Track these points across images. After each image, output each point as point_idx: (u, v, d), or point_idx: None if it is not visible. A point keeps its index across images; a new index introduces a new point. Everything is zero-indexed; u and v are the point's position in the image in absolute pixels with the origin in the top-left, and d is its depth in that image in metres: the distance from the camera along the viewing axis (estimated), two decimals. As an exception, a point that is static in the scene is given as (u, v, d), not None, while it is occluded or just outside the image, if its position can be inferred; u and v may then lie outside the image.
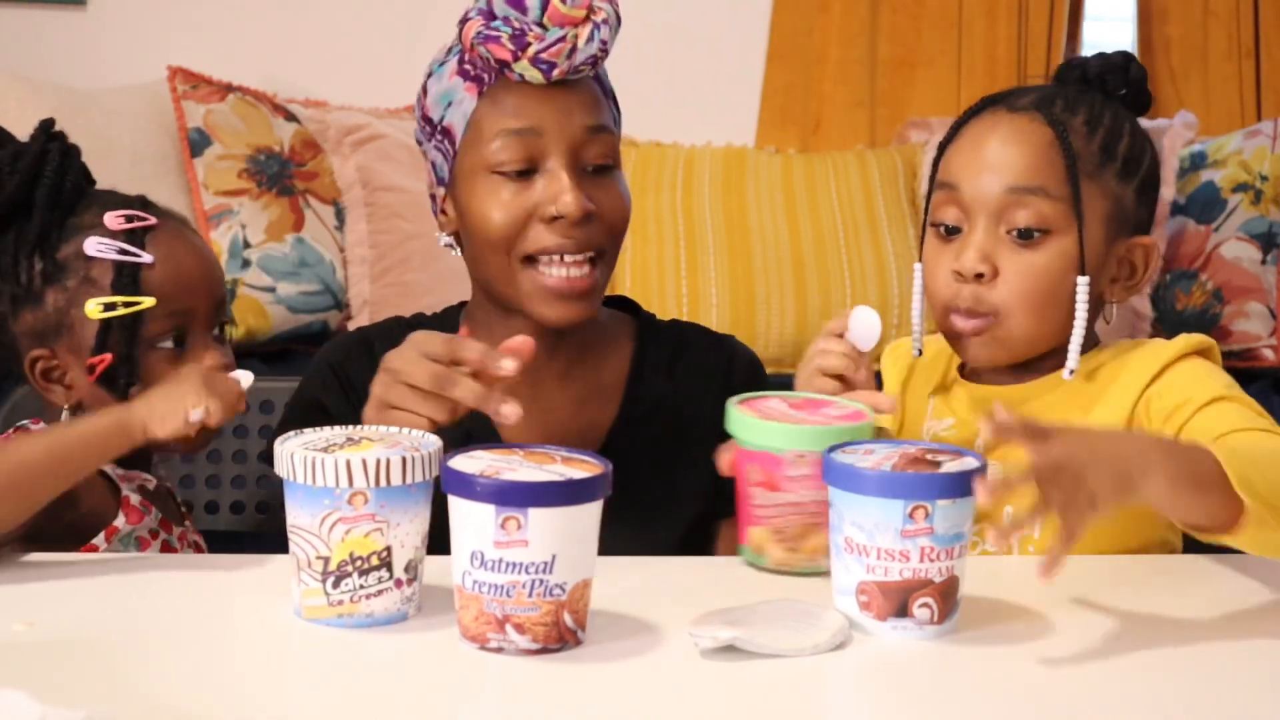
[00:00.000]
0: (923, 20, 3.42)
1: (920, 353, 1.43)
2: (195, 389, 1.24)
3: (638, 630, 1.11)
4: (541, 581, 1.04)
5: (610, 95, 1.45)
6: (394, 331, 1.51)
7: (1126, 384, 1.33)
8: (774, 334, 3.00)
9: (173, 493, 1.51)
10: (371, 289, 2.94)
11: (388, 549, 1.10)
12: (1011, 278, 1.32)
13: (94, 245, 1.40)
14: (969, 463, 1.10)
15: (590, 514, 1.06)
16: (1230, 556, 1.25)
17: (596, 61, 1.38)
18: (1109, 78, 1.39)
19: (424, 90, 1.46)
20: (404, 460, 1.08)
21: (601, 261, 1.42)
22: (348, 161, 3.00)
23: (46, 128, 1.44)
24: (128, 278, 1.39)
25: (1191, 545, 1.28)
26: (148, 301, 1.39)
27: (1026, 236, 1.32)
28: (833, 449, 1.14)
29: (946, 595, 1.09)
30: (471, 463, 1.08)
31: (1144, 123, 1.42)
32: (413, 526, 1.11)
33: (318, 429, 1.16)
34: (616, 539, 1.15)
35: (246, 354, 2.63)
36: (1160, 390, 1.31)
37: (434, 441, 1.13)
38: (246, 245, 2.87)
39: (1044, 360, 1.37)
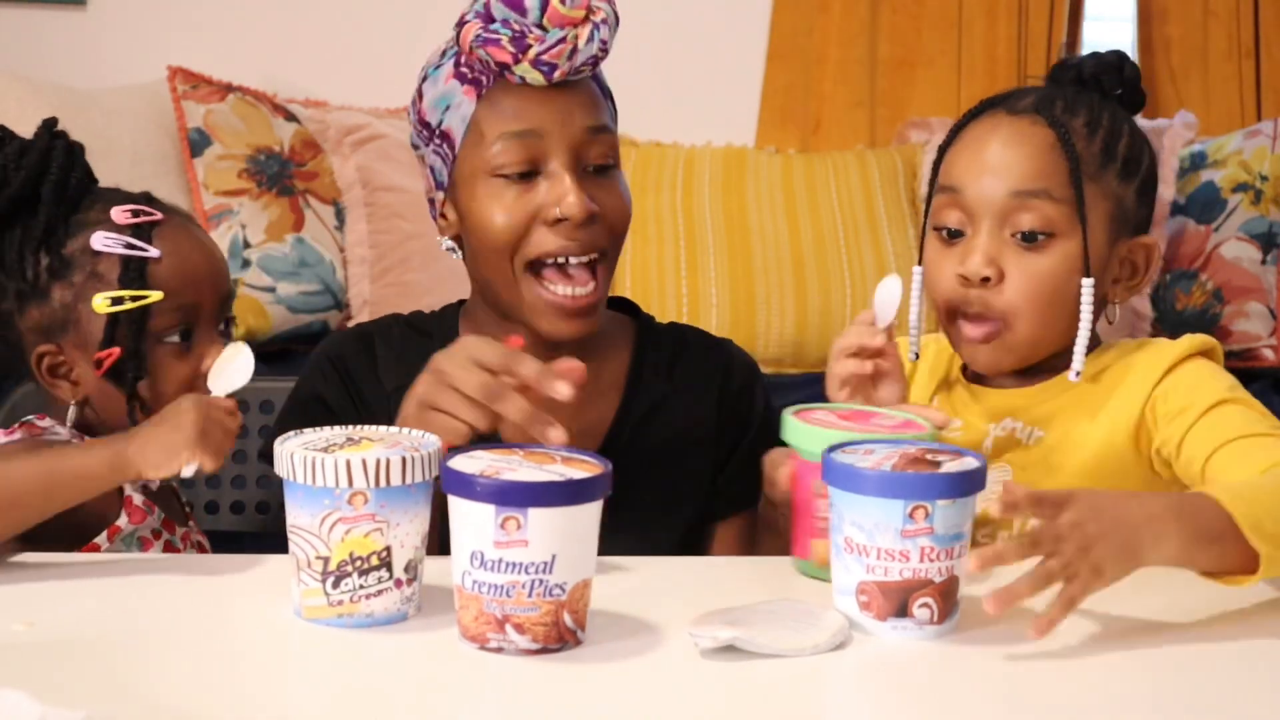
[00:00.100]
0: (923, 20, 3.42)
1: (917, 356, 1.43)
2: (189, 440, 1.21)
3: (638, 630, 1.11)
4: (541, 581, 1.04)
5: (608, 95, 1.45)
6: (392, 328, 1.52)
7: (1133, 385, 1.33)
8: (774, 334, 3.00)
9: (176, 493, 1.51)
10: (371, 289, 2.94)
11: (387, 549, 1.10)
12: (1018, 281, 1.32)
13: (100, 240, 1.40)
14: (969, 463, 1.10)
15: (590, 514, 1.06)
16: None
17: (597, 62, 1.38)
18: (1104, 78, 1.39)
19: (419, 94, 1.45)
20: (404, 460, 1.08)
21: (604, 265, 1.41)
22: (348, 161, 3.00)
23: (50, 126, 1.45)
24: (135, 272, 1.39)
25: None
26: (155, 295, 1.39)
27: (1031, 240, 1.31)
28: (832, 449, 1.14)
29: (947, 595, 1.09)
30: (471, 463, 1.08)
31: (1144, 123, 1.43)
32: (413, 526, 1.11)
33: (317, 429, 1.16)
34: (615, 540, 1.15)
35: (246, 354, 2.62)
36: (1165, 392, 1.31)
37: (434, 441, 1.13)
38: (246, 245, 2.87)
39: (1047, 362, 1.37)
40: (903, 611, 1.09)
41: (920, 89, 3.43)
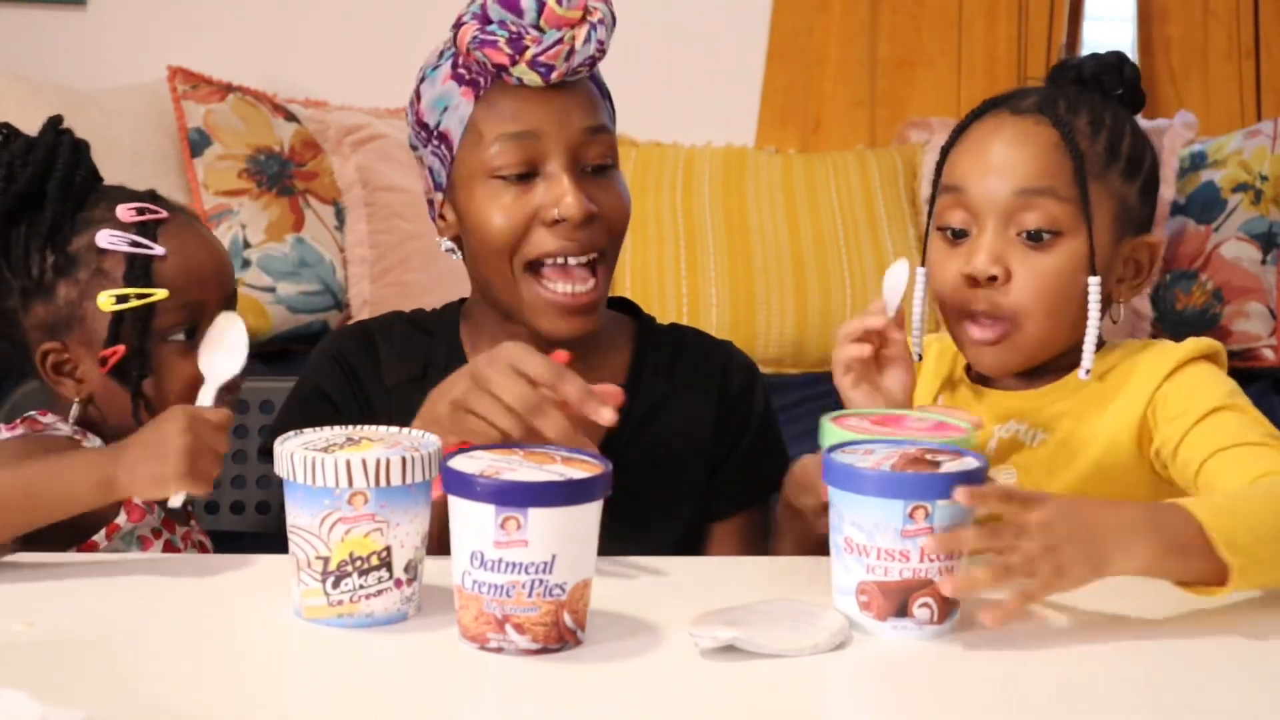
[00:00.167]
0: (923, 20, 3.42)
1: (920, 358, 1.43)
2: (178, 473, 1.21)
3: (638, 630, 1.11)
4: (541, 581, 1.04)
5: (605, 94, 1.45)
6: (394, 326, 1.52)
7: (1136, 387, 1.33)
8: (774, 334, 3.00)
9: None
10: (371, 289, 2.94)
11: (387, 549, 1.10)
12: (1025, 280, 1.32)
13: (106, 238, 1.40)
14: (969, 463, 1.10)
15: (590, 514, 1.06)
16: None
17: (594, 62, 1.38)
18: (1105, 78, 1.39)
19: (417, 95, 1.45)
20: (404, 460, 1.08)
21: (603, 265, 1.41)
22: (348, 161, 3.00)
23: (55, 123, 1.44)
24: (140, 270, 1.39)
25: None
26: (160, 293, 1.39)
27: (1036, 238, 1.31)
28: (833, 449, 1.14)
29: (947, 595, 1.09)
30: (471, 463, 1.08)
31: (1144, 123, 1.43)
32: (412, 526, 1.11)
33: (317, 429, 1.16)
34: (613, 540, 1.15)
35: (246, 354, 2.63)
36: (1166, 394, 1.31)
37: (434, 441, 1.13)
38: (246, 245, 2.87)
39: (1052, 363, 1.37)
40: (903, 611, 1.09)
41: (920, 89, 3.42)
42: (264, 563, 1.26)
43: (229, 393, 1.44)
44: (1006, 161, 1.33)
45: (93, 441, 1.40)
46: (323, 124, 3.05)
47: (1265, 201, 3.05)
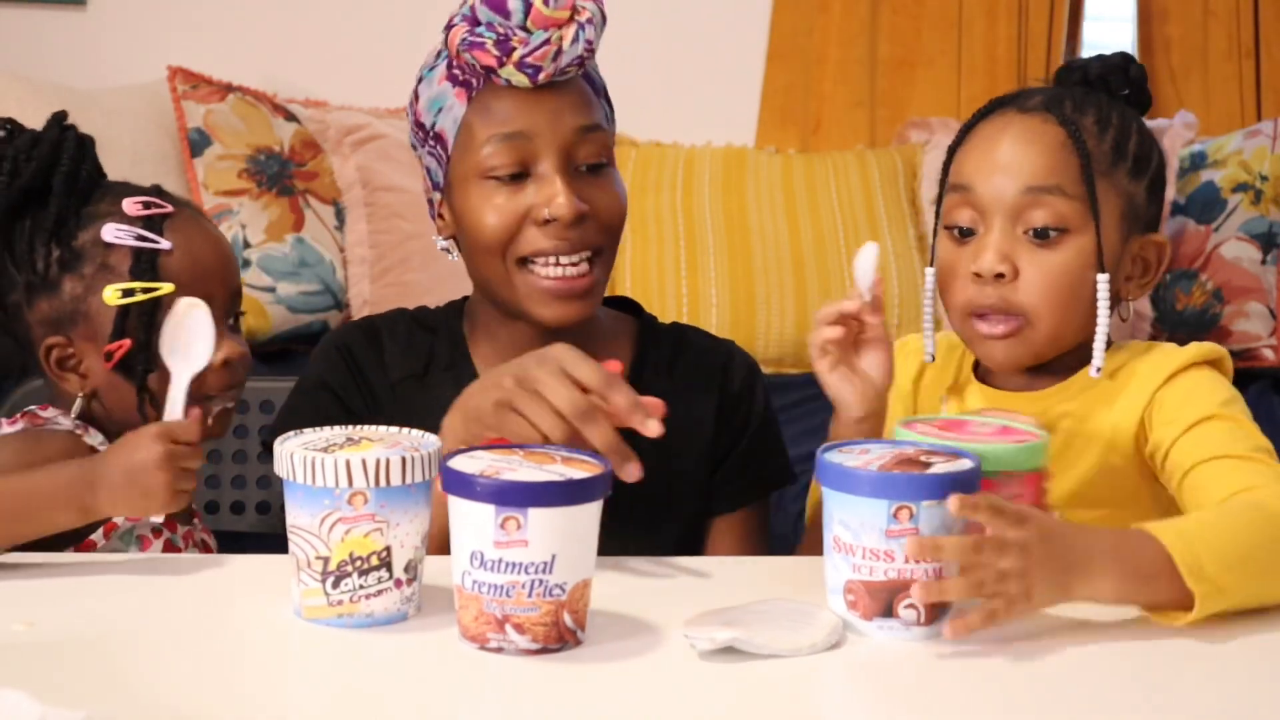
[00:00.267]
0: (923, 20, 3.42)
1: (933, 358, 1.43)
2: (162, 506, 1.22)
3: (638, 630, 1.11)
4: (541, 581, 1.04)
5: (601, 92, 1.45)
6: (398, 322, 1.52)
7: (1137, 388, 1.33)
8: (774, 334, 3.00)
9: None
10: (371, 289, 2.94)
11: (387, 549, 1.10)
12: (1033, 277, 1.32)
13: (112, 232, 1.39)
14: (960, 465, 1.10)
15: (590, 514, 1.06)
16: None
17: (583, 62, 1.38)
18: (1110, 79, 1.40)
19: (415, 95, 1.45)
20: (404, 460, 1.08)
21: (599, 259, 1.42)
22: (348, 161, 3.00)
23: (60, 119, 1.44)
24: (146, 264, 1.39)
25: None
26: (167, 287, 1.38)
27: (1043, 236, 1.32)
28: (828, 449, 1.14)
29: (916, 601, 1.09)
30: (471, 463, 1.08)
31: (1146, 123, 1.43)
32: (412, 526, 1.11)
33: (317, 429, 1.16)
34: (614, 538, 1.15)
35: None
36: (1163, 397, 1.31)
37: (434, 441, 1.13)
38: (246, 245, 2.86)
39: (1058, 362, 1.37)
40: (889, 611, 1.09)
41: (920, 89, 3.42)
42: (264, 563, 1.26)
43: (232, 401, 1.44)
44: (1013, 160, 1.33)
45: (95, 437, 1.40)
46: (323, 124, 3.05)
47: (1265, 201, 3.05)
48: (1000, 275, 1.32)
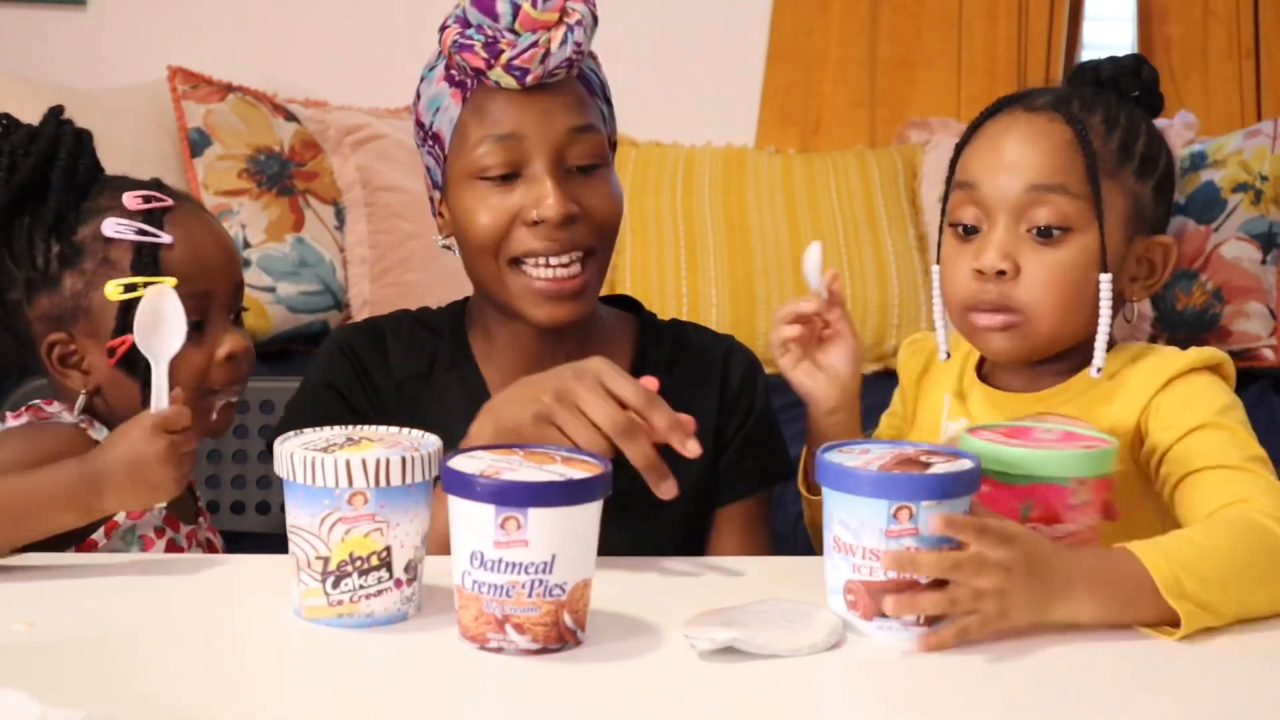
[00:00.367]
0: (923, 20, 3.42)
1: (949, 355, 1.43)
2: (168, 493, 1.22)
3: (638, 630, 1.11)
4: (541, 581, 1.04)
5: (597, 92, 1.46)
6: (401, 323, 1.53)
7: (1135, 392, 1.33)
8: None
9: (191, 487, 1.49)
10: (371, 289, 2.94)
11: (387, 549, 1.10)
12: (1034, 275, 1.31)
13: (112, 226, 1.38)
14: (960, 465, 1.10)
15: (590, 514, 1.06)
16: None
17: (572, 64, 1.38)
18: (1121, 80, 1.39)
19: (417, 95, 1.47)
20: (404, 460, 1.08)
21: (592, 260, 1.42)
22: (348, 161, 3.00)
23: (57, 113, 1.43)
24: (148, 258, 1.38)
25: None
26: (169, 282, 1.35)
27: (1046, 235, 1.31)
28: (828, 449, 1.14)
29: (888, 612, 1.09)
30: (471, 463, 1.08)
31: (1147, 123, 1.42)
32: (413, 526, 1.11)
33: (317, 429, 1.16)
34: (618, 534, 1.16)
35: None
36: (1159, 404, 1.31)
37: (434, 441, 1.13)
38: (246, 245, 2.86)
39: (1061, 359, 1.36)
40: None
41: (920, 89, 3.42)
42: (264, 563, 1.26)
43: (236, 395, 1.44)
44: (1019, 158, 1.33)
45: (100, 431, 1.39)
46: (323, 124, 3.05)
47: (1265, 201, 3.05)
48: (1001, 273, 1.32)
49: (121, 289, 1.36)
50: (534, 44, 1.36)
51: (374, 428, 1.17)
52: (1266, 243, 3.04)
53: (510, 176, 1.40)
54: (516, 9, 1.37)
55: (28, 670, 1.01)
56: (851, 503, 1.08)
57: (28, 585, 1.19)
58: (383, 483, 1.08)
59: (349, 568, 1.09)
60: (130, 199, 1.40)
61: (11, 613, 1.11)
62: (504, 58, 1.36)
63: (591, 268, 1.42)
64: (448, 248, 1.49)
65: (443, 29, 1.41)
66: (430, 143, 1.45)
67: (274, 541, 1.22)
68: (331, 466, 1.07)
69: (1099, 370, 1.33)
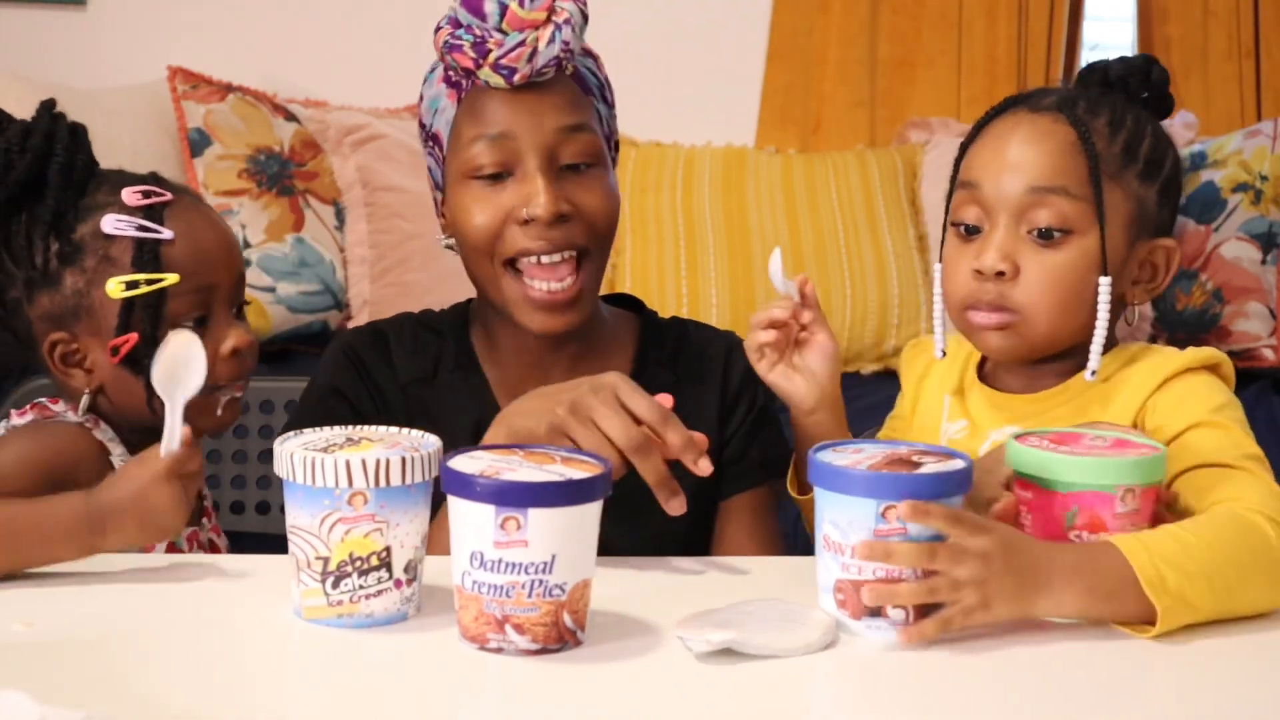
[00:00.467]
0: (923, 20, 3.42)
1: (944, 354, 1.43)
2: (177, 528, 1.22)
3: (637, 630, 1.11)
4: (541, 582, 1.04)
5: (594, 92, 1.46)
6: (404, 326, 1.53)
7: (1132, 392, 1.33)
8: (774, 334, 3.00)
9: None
10: (371, 289, 2.94)
11: (387, 549, 1.10)
12: (1033, 276, 1.31)
13: (112, 223, 1.36)
14: (951, 465, 1.10)
15: (590, 514, 1.06)
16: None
17: (560, 62, 1.39)
18: (1131, 80, 1.39)
19: (420, 96, 1.48)
20: (403, 460, 1.08)
21: (586, 261, 1.42)
22: (348, 161, 3.00)
23: (49, 107, 1.40)
24: (149, 254, 1.36)
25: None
26: (171, 278, 1.35)
27: (1047, 236, 1.31)
28: (820, 449, 1.14)
29: (867, 604, 1.09)
30: (471, 463, 1.08)
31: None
32: (412, 526, 1.11)
33: (317, 429, 1.16)
34: (615, 535, 1.15)
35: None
36: (1155, 403, 1.31)
37: (434, 442, 1.13)
38: (246, 245, 2.86)
39: (1061, 360, 1.36)
40: (877, 611, 1.09)
41: (920, 89, 3.43)
42: (264, 563, 1.26)
43: (240, 390, 1.43)
44: (1021, 159, 1.32)
45: (105, 432, 1.39)
46: (323, 124, 3.05)
47: (1265, 201, 3.05)
48: (1001, 274, 1.32)
49: (123, 286, 1.35)
50: (521, 43, 1.37)
51: (374, 428, 1.17)
52: (1266, 243, 3.04)
53: (503, 175, 1.40)
54: (504, 9, 1.38)
55: (28, 670, 1.01)
56: (841, 502, 1.08)
57: (28, 585, 1.19)
58: (383, 483, 1.08)
59: (349, 568, 1.09)
60: (129, 194, 1.38)
61: (11, 613, 1.11)
62: (491, 57, 1.37)
63: (586, 271, 1.42)
64: (451, 248, 1.49)
65: (436, 30, 1.41)
66: (430, 144, 1.46)
67: (274, 541, 1.21)
68: (331, 467, 1.07)
69: (1093, 374, 1.33)
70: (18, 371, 2.33)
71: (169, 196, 1.40)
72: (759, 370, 1.40)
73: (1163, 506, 1.19)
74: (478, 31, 1.38)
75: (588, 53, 1.47)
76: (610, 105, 1.48)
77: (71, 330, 1.38)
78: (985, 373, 1.43)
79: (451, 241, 1.49)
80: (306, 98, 3.17)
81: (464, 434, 1.41)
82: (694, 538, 1.47)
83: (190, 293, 1.38)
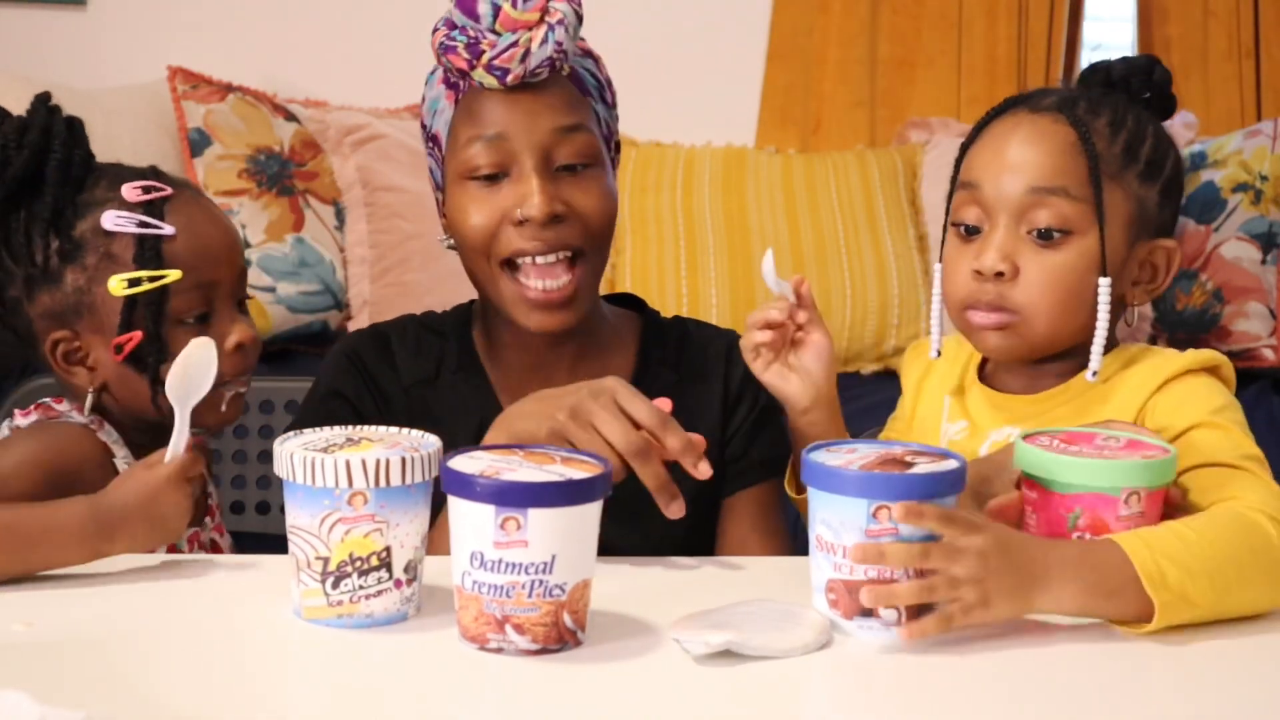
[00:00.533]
0: (923, 20, 3.42)
1: (939, 354, 1.43)
2: (181, 531, 1.23)
3: (637, 630, 1.11)
4: (541, 582, 1.04)
5: (591, 92, 1.46)
6: (407, 328, 1.53)
7: (1131, 394, 1.33)
8: (774, 334, 3.00)
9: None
10: (371, 289, 2.94)
11: (387, 549, 1.10)
12: (1032, 277, 1.31)
13: (112, 219, 1.35)
14: (944, 465, 1.10)
15: (590, 514, 1.06)
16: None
17: (554, 63, 1.39)
18: (1133, 81, 1.39)
19: (422, 97, 1.48)
20: (403, 460, 1.08)
21: (582, 261, 1.42)
22: (348, 161, 3.00)
23: (45, 100, 1.40)
24: (151, 251, 1.35)
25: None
26: (174, 274, 1.34)
27: (1047, 237, 1.31)
28: (814, 448, 1.14)
29: (865, 604, 1.08)
30: (471, 463, 1.08)
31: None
32: (412, 527, 1.11)
33: (317, 429, 1.16)
34: (615, 535, 1.16)
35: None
36: (1155, 405, 1.31)
37: (434, 442, 1.13)
38: (247, 245, 2.86)
39: (1061, 360, 1.36)
40: (869, 610, 1.09)
41: (920, 89, 3.42)
42: (264, 563, 1.26)
43: (244, 385, 1.42)
44: (1021, 159, 1.32)
45: (110, 434, 1.39)
46: (323, 124, 3.05)
47: (1265, 201, 3.05)
48: (1000, 274, 1.32)
49: (125, 284, 1.34)
50: (514, 44, 1.37)
51: (374, 428, 1.17)
52: (1266, 243, 3.04)
53: (499, 176, 1.41)
54: (497, 9, 1.38)
55: (28, 670, 1.01)
56: (833, 502, 1.08)
57: (28, 585, 1.19)
58: (382, 483, 1.08)
59: (349, 568, 1.09)
60: (129, 190, 1.37)
61: (11, 613, 1.11)
62: (485, 58, 1.37)
63: (582, 270, 1.42)
64: (452, 248, 1.49)
65: (433, 32, 1.42)
66: (430, 144, 1.47)
67: (274, 541, 1.21)
68: (331, 467, 1.07)
69: (1094, 374, 1.33)
70: (18, 371, 2.33)
71: (169, 191, 1.39)
72: (754, 370, 1.40)
73: (1171, 511, 1.18)
74: (472, 33, 1.39)
75: (588, 53, 1.47)
76: (610, 106, 1.48)
77: (73, 328, 1.38)
78: (985, 373, 1.43)
79: (452, 242, 1.49)
80: (306, 98, 3.17)
81: (467, 435, 1.41)
82: (694, 538, 1.47)
83: (193, 288, 1.37)
